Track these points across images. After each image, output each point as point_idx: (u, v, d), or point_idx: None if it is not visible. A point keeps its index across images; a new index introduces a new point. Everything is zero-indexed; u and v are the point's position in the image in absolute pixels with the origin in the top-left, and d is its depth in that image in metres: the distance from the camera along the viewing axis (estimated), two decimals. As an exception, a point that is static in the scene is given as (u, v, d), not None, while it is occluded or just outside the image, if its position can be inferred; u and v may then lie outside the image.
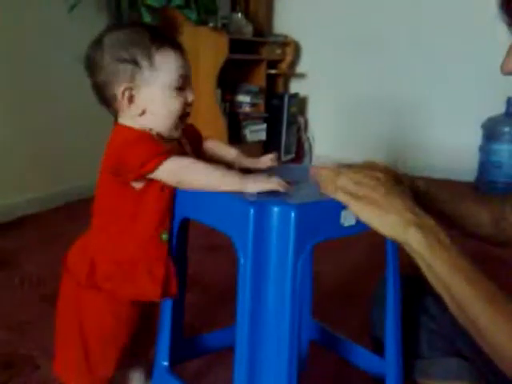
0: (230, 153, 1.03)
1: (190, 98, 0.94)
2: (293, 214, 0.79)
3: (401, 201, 0.75)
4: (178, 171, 0.87)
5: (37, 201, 2.68)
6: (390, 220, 0.74)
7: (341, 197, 0.78)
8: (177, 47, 0.92)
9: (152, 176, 0.87)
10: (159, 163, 0.85)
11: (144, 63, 0.89)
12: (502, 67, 0.80)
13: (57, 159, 2.79)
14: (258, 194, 0.84)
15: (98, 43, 0.91)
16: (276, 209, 0.79)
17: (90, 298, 0.97)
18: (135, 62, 0.89)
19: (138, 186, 0.91)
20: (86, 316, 0.98)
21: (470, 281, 0.70)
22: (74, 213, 2.72)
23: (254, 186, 0.85)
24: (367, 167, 0.85)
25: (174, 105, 0.92)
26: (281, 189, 0.84)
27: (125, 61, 0.89)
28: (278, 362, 0.82)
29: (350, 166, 0.87)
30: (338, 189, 0.78)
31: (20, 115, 2.58)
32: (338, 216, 0.83)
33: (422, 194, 0.93)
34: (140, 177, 0.88)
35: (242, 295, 0.81)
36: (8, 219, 2.50)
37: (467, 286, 0.70)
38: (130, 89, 0.90)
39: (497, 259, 2.17)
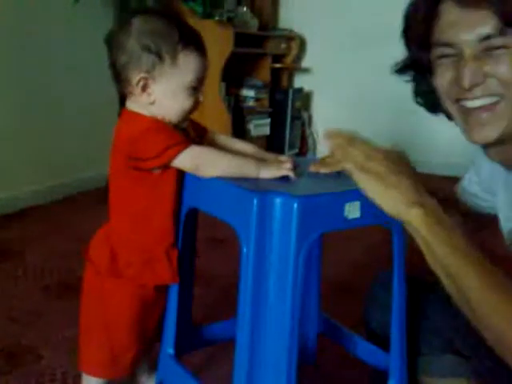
0: (246, 149, 1.04)
1: (201, 98, 0.96)
2: (295, 206, 0.79)
3: (406, 179, 0.73)
4: (197, 159, 0.89)
5: (40, 193, 2.68)
6: (393, 197, 0.72)
7: (348, 165, 0.75)
8: (201, 49, 0.94)
9: (172, 164, 0.89)
10: (179, 152, 0.88)
11: (167, 58, 0.90)
12: (466, 81, 0.76)
13: (60, 151, 2.79)
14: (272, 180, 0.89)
15: (125, 25, 0.92)
16: (279, 200, 0.80)
17: (113, 286, 0.98)
18: (159, 55, 0.90)
19: (155, 171, 0.93)
20: (109, 305, 0.99)
21: (469, 261, 0.68)
22: (77, 204, 2.73)
23: (268, 172, 0.89)
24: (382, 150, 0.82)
25: (185, 103, 0.94)
26: (292, 175, 0.89)
27: (149, 50, 0.90)
28: (278, 351, 0.82)
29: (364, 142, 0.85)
30: (347, 157, 0.76)
31: (23, 108, 2.58)
32: (342, 208, 0.83)
33: None
34: (157, 166, 0.90)
35: (243, 284, 0.82)
36: (11, 211, 2.50)
37: (466, 266, 0.68)
38: (146, 78, 0.91)
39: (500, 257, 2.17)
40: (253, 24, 3.63)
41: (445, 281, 0.70)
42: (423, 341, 1.03)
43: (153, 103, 0.93)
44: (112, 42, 0.93)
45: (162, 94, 0.93)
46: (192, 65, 0.92)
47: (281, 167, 0.90)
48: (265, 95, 3.74)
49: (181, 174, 0.95)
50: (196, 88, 0.94)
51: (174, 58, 0.91)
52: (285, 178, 0.89)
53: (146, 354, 1.13)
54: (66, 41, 2.72)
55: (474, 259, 0.69)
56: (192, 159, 0.89)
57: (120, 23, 0.94)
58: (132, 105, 0.95)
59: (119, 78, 0.94)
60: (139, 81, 0.91)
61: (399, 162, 0.77)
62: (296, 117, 3.95)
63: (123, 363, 1.02)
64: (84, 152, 2.86)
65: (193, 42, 0.93)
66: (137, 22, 0.91)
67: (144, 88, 0.92)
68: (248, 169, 0.90)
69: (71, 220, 2.43)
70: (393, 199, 0.72)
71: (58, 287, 1.80)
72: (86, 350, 1.03)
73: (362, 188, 0.74)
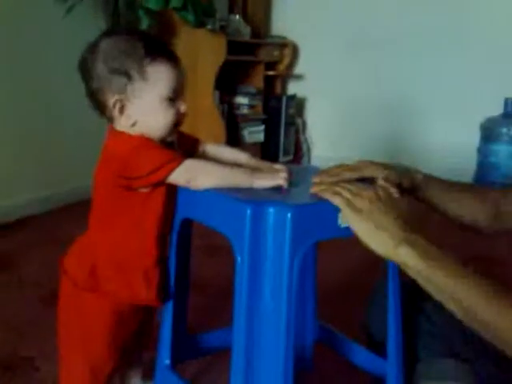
0: (240, 158, 1.03)
1: (182, 108, 0.94)
2: (289, 215, 0.80)
3: (394, 217, 0.77)
4: (190, 173, 0.88)
5: (37, 202, 2.68)
6: (381, 238, 0.77)
7: (337, 201, 0.80)
8: (171, 59, 0.92)
9: (166, 181, 0.89)
10: (173, 169, 0.87)
11: (136, 76, 0.89)
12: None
13: (56, 161, 2.79)
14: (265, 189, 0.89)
15: (92, 49, 0.91)
16: (272, 209, 0.80)
17: (90, 299, 0.97)
18: (127, 74, 0.89)
19: (144, 189, 0.92)
20: (86, 318, 0.99)
21: (468, 285, 0.72)
22: (73, 214, 2.72)
23: (262, 181, 0.89)
24: (367, 169, 0.88)
25: (165, 116, 0.92)
26: (286, 184, 0.89)
27: (117, 72, 0.89)
28: (274, 359, 0.83)
29: (348, 167, 0.89)
30: (336, 194, 0.80)
31: (20, 117, 2.58)
32: (335, 217, 0.83)
33: (420, 187, 0.95)
34: (151, 184, 0.89)
35: (238, 294, 0.83)
36: (8, 220, 2.50)
37: (470, 289, 0.71)
38: (121, 100, 0.90)
39: (489, 259, 2.19)
40: (245, 32, 3.64)
41: (451, 307, 0.74)
42: (422, 345, 1.03)
43: (134, 124, 0.92)
44: (83, 69, 0.93)
45: (141, 113, 0.91)
46: (163, 76, 0.90)
47: (275, 176, 0.90)
48: (258, 102, 3.76)
49: (171, 193, 0.94)
50: (174, 99, 0.92)
51: (142, 73, 0.89)
52: (279, 187, 0.90)
53: (136, 364, 1.13)
54: (63, 52, 2.73)
55: (470, 280, 0.72)
56: (185, 174, 0.88)
57: (87, 49, 0.92)
58: (117, 126, 0.94)
59: (97, 104, 0.93)
60: (115, 104, 0.90)
61: (389, 198, 0.80)
62: (290, 123, 3.97)
63: (102, 377, 1.01)
64: (81, 162, 2.85)
65: (160, 53, 0.91)
66: (102, 45, 0.90)
67: (121, 110, 0.91)
68: (241, 179, 0.89)
69: (68, 230, 2.42)
70: (381, 240, 0.76)
71: (54, 297, 1.79)
72: (66, 364, 1.03)
73: (352, 227, 0.78)
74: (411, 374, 1.02)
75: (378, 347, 1.09)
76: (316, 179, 0.91)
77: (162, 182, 0.90)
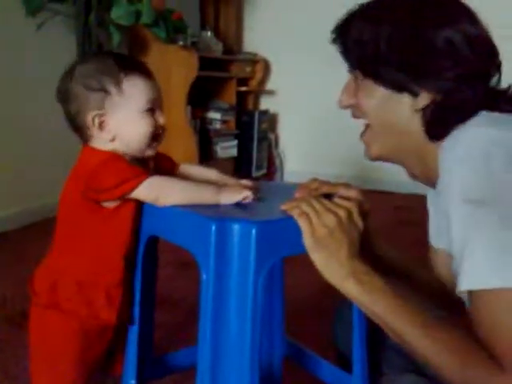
0: (210, 175, 1.05)
1: (161, 120, 0.96)
2: (253, 231, 0.80)
3: (346, 248, 0.81)
4: (156, 189, 0.89)
5: (6, 219, 2.63)
6: (331, 268, 0.81)
7: (300, 224, 0.82)
8: (145, 72, 0.95)
9: (131, 195, 0.89)
10: (137, 184, 0.88)
11: (112, 90, 0.92)
12: (338, 102, 0.93)
13: (23, 178, 2.75)
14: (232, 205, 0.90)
15: (68, 74, 0.94)
16: (237, 226, 0.81)
17: (55, 318, 0.96)
18: (104, 90, 0.92)
19: (110, 205, 0.92)
20: (53, 337, 0.97)
21: (408, 320, 0.76)
22: (42, 232, 2.68)
23: (228, 197, 0.90)
24: (342, 187, 0.91)
25: (144, 127, 0.94)
26: (251, 199, 0.90)
27: (94, 88, 0.92)
28: (239, 378, 0.82)
29: (324, 183, 0.93)
30: (302, 215, 0.82)
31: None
32: (300, 233, 0.84)
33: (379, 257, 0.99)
34: (116, 197, 0.90)
35: (204, 312, 0.82)
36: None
37: (404, 323, 0.76)
38: (100, 115, 0.92)
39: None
40: (217, 48, 3.67)
41: (392, 337, 0.79)
42: (386, 360, 1.04)
43: (114, 139, 0.94)
44: (61, 95, 0.95)
45: (120, 126, 0.93)
46: (139, 88, 0.93)
47: (240, 191, 0.91)
48: (231, 117, 3.78)
49: (139, 211, 0.95)
50: (152, 110, 0.95)
51: (118, 87, 0.92)
52: (244, 203, 0.90)
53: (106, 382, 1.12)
54: (30, 66, 2.70)
55: (409, 314, 0.77)
56: (150, 190, 0.89)
57: (63, 75, 0.95)
58: (93, 144, 0.96)
59: (77, 125, 0.95)
60: (94, 119, 0.92)
61: (348, 222, 0.82)
62: (263, 138, 4.00)
63: None
64: (52, 178, 2.81)
65: (133, 67, 0.94)
66: (76, 69, 0.94)
67: (101, 125, 0.93)
68: (207, 195, 0.90)
69: (39, 247, 2.38)
70: (332, 271, 0.80)
71: (21, 316, 1.76)
72: (35, 381, 1.01)
73: (310, 255, 0.81)
74: None
75: (345, 363, 1.10)
76: (296, 194, 0.93)
77: (128, 198, 0.90)
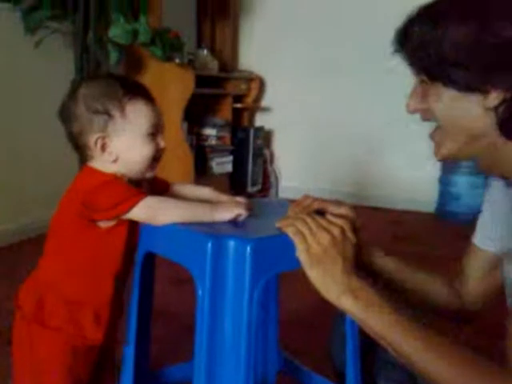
0: (204, 193, 1.07)
1: (162, 144, 0.99)
2: (248, 248, 0.82)
3: (341, 265, 0.83)
4: (151, 209, 0.91)
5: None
6: (327, 285, 0.82)
7: (296, 243, 0.84)
8: (147, 97, 0.98)
9: (127, 216, 0.91)
10: (133, 204, 0.90)
11: (116, 113, 0.94)
12: (406, 107, 0.89)
13: (18, 193, 2.76)
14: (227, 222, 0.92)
15: (73, 95, 0.96)
16: (232, 243, 0.83)
17: (42, 334, 0.97)
18: (108, 113, 0.94)
19: (105, 225, 0.94)
20: (39, 353, 0.98)
21: (404, 333, 0.78)
22: (34, 248, 2.68)
23: (222, 215, 0.92)
24: (334, 204, 0.94)
25: (145, 151, 0.97)
26: (244, 217, 0.92)
27: (98, 112, 0.94)
28: (235, 392, 0.84)
29: (316, 200, 0.95)
30: (297, 233, 0.84)
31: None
32: (294, 249, 0.86)
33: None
34: (113, 217, 0.92)
35: (199, 327, 0.84)
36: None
37: (402, 337, 0.77)
38: (103, 138, 0.95)
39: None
40: (213, 66, 3.72)
41: (389, 350, 0.80)
42: (383, 374, 1.05)
43: (116, 160, 0.96)
44: (64, 114, 0.97)
45: (122, 148, 0.96)
46: (142, 113, 0.96)
47: (234, 209, 0.93)
48: (226, 134, 3.81)
49: (133, 231, 0.97)
50: (153, 134, 0.98)
51: (122, 111, 0.94)
52: (239, 221, 0.92)
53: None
54: (28, 83, 2.73)
55: (406, 328, 0.78)
56: (146, 210, 0.91)
57: (68, 95, 0.98)
58: (94, 164, 0.98)
59: (79, 145, 0.97)
60: (96, 141, 0.95)
61: (342, 239, 0.85)
62: (258, 154, 4.03)
63: None
64: (43, 194, 2.83)
65: (137, 92, 0.97)
66: (81, 90, 0.96)
67: (103, 147, 0.95)
68: (202, 213, 0.92)
69: (29, 264, 2.39)
70: (328, 288, 0.82)
71: (9, 332, 1.76)
72: None
73: (306, 272, 0.83)
74: None
75: (342, 377, 1.11)
76: (289, 212, 0.95)
77: (123, 219, 0.92)
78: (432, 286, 1.05)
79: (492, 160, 0.85)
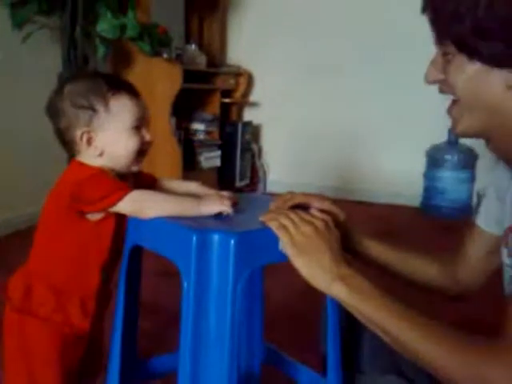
0: (190, 188, 1.09)
1: (147, 137, 1.02)
2: (232, 242, 0.84)
3: (329, 254, 0.84)
4: (138, 202, 0.93)
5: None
6: (316, 273, 0.84)
7: (281, 236, 0.86)
8: (131, 92, 1.01)
9: (113, 209, 0.93)
10: (120, 197, 0.92)
11: (100, 108, 0.97)
12: (425, 77, 0.85)
13: (6, 186, 2.76)
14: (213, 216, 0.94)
15: (59, 92, 0.99)
16: (216, 236, 0.85)
17: (31, 323, 0.99)
18: (92, 108, 0.97)
19: (93, 218, 0.97)
20: (29, 343, 1.00)
21: (396, 316, 0.79)
22: (24, 241, 2.69)
23: (208, 208, 0.94)
24: (317, 199, 0.96)
25: (130, 144, 0.99)
26: (229, 211, 0.94)
27: (83, 107, 0.97)
28: (219, 383, 0.86)
29: (298, 194, 0.97)
30: (280, 227, 0.86)
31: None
32: (277, 242, 0.89)
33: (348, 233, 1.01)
34: (100, 209, 0.95)
35: (185, 319, 0.86)
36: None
37: (394, 320, 0.78)
38: (88, 132, 0.97)
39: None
40: (201, 61, 3.73)
41: (380, 335, 0.81)
42: (367, 359, 1.06)
43: (101, 154, 0.99)
44: (51, 110, 1.00)
45: (107, 142, 0.98)
46: (126, 107, 0.99)
47: (220, 202, 0.94)
48: (215, 128, 3.83)
49: (121, 224, 0.99)
50: (138, 127, 1.00)
51: (106, 106, 0.97)
52: (224, 215, 0.94)
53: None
54: (16, 78, 2.73)
55: (400, 313, 0.79)
56: (132, 203, 0.93)
57: (54, 91, 1.00)
58: (81, 158, 1.00)
59: (66, 140, 1.00)
60: (82, 136, 0.97)
61: (325, 230, 0.87)
62: (246, 149, 4.05)
63: None
64: (31, 187, 2.83)
65: (121, 88, 1.00)
66: (67, 87, 0.99)
67: (89, 142, 0.98)
68: (188, 207, 0.94)
69: (18, 256, 2.39)
70: (317, 276, 0.84)
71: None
72: None
73: (292, 262, 0.85)
74: (350, 383, 1.06)
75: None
76: (271, 206, 0.97)
77: (111, 212, 0.95)
78: (427, 267, 1.07)
79: (505, 141, 0.83)
